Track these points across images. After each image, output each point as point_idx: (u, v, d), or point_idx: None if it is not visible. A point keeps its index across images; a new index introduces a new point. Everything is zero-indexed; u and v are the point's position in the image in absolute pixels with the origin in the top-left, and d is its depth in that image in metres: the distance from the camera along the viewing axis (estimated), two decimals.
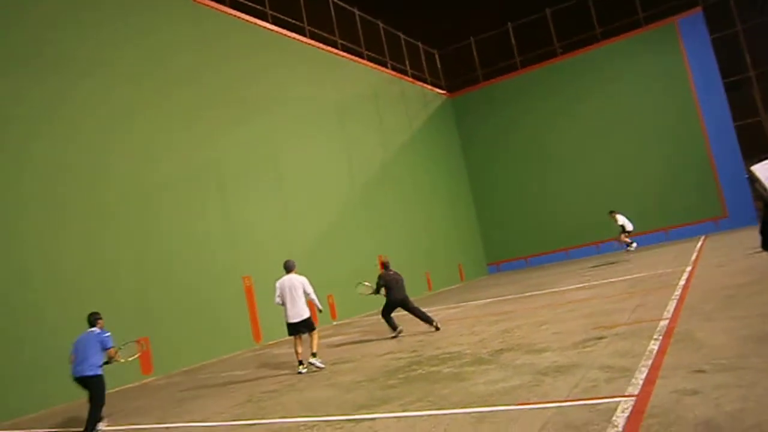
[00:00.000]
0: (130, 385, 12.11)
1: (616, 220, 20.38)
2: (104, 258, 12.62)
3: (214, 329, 14.53)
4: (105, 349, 7.78)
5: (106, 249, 12.71)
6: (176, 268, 14.14)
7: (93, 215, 12.64)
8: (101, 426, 7.73)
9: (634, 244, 20.54)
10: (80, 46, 13.32)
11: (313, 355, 9.46)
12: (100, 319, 8.07)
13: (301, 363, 9.46)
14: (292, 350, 9.87)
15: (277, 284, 9.71)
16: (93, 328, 7.92)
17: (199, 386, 10.36)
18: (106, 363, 7.87)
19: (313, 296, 9.71)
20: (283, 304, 9.64)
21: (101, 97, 13.48)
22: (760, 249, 14.25)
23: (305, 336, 9.75)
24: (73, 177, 12.45)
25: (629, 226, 20.44)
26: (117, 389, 11.76)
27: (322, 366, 9.38)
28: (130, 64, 14.36)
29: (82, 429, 7.51)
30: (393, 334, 11.81)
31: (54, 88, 12.49)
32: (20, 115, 11.79)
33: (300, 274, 9.84)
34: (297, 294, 9.56)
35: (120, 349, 8.15)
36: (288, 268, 9.83)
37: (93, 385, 7.63)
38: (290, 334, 9.66)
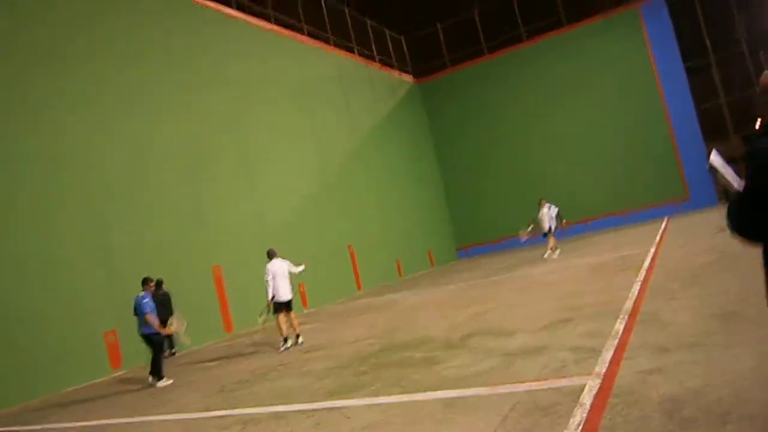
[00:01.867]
0: (99, 380, 11.93)
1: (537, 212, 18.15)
2: (65, 248, 12.34)
3: (185, 320, 14.35)
4: (143, 313, 9.31)
5: (66, 239, 12.43)
6: (144, 258, 13.90)
7: (54, 201, 12.33)
8: (161, 383, 9.35)
9: (558, 251, 18.29)
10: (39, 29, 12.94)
11: (297, 335, 10.93)
12: (149, 281, 9.84)
13: (285, 340, 10.63)
14: (263, 340, 9.90)
15: (268, 267, 10.72)
16: (142, 292, 9.57)
17: (169, 378, 10.25)
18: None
19: (297, 269, 11.11)
20: (273, 285, 10.69)
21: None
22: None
23: (285, 317, 10.82)
24: (31, 163, 12.13)
25: (546, 224, 17.90)
26: (85, 384, 11.60)
27: (303, 342, 10.79)
28: (84, 46, 13.99)
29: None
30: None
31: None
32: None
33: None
34: (284, 276, 10.78)
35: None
36: (271, 255, 10.89)
37: (150, 342, 9.53)
38: (275, 312, 10.74)
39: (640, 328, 6.43)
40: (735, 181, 2.29)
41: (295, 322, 11.02)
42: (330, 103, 23.46)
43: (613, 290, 9.44)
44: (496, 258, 23.99)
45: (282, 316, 10.76)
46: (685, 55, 26.72)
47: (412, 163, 28.78)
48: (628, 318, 7.00)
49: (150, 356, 9.69)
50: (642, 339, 5.91)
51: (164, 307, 11.99)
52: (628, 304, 7.82)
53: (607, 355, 5.54)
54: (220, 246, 15.94)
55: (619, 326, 6.64)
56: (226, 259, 15.85)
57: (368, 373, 7.13)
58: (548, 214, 17.82)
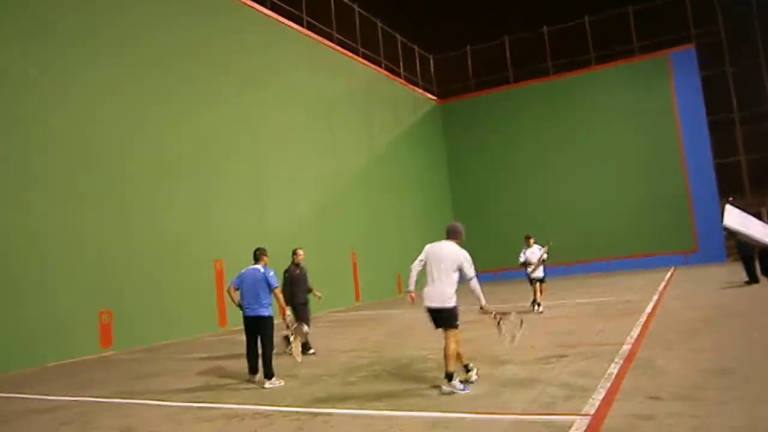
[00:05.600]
0: (88, 357, 11.93)
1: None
2: (71, 225, 12.39)
3: (180, 310, 14.38)
4: (272, 288, 7.75)
5: (75, 218, 12.48)
6: (146, 245, 13.94)
7: (62, 188, 12.40)
8: (270, 383, 7.39)
9: (540, 308, 13.45)
10: (64, 14, 13.08)
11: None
12: (266, 255, 8.03)
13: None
14: None
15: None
16: (257, 265, 7.86)
17: (158, 365, 10.24)
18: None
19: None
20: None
21: (81, 70, 13.17)
22: (746, 280, 14.57)
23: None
24: (49, 153, 12.22)
25: (534, 270, 13.72)
26: (74, 360, 11.60)
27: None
28: (113, 36, 14.09)
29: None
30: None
31: (34, 57, 12.28)
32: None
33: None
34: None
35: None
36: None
37: (265, 326, 7.65)
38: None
39: (634, 373, 6.37)
40: (761, 234, 2.26)
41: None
42: (351, 113, 23.54)
43: (611, 333, 9.37)
44: (496, 287, 23.88)
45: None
46: (710, 109, 26.68)
47: (424, 182, 28.79)
48: (623, 362, 6.93)
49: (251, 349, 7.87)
50: (635, 384, 5.85)
51: (298, 286, 10.17)
52: (625, 349, 7.76)
53: (598, 396, 5.49)
54: (223, 242, 15.93)
55: (613, 369, 6.58)
56: (228, 254, 15.85)
57: (356, 384, 7.09)
58: (531, 252, 14.01)
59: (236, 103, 17.33)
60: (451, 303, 6.43)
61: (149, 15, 15.07)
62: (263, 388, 7.32)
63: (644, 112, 27.64)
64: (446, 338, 6.44)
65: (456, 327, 6.48)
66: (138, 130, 14.22)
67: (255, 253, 8.06)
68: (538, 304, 13.44)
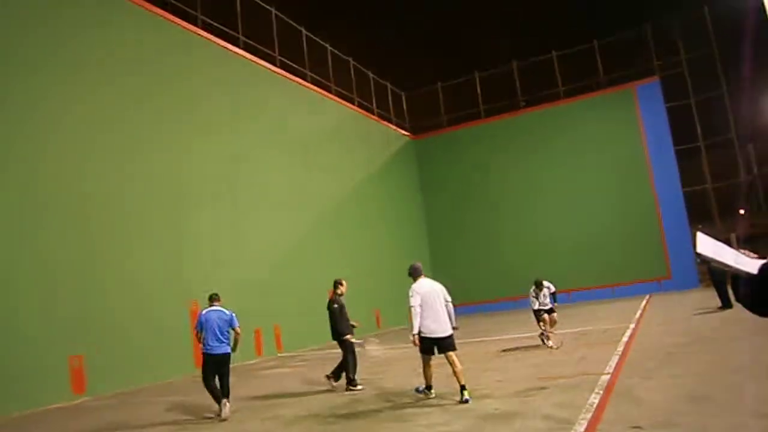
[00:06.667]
0: (59, 405, 11.57)
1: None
2: (43, 262, 12.14)
3: (154, 352, 14.06)
4: (234, 328, 8.38)
5: (46, 253, 12.24)
6: (120, 285, 13.70)
7: (30, 217, 12.21)
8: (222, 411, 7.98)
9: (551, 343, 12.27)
10: (57, 49, 13.10)
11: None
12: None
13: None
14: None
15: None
16: (216, 307, 8.52)
17: (132, 411, 9.98)
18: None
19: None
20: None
21: (75, 100, 13.28)
22: (720, 306, 14.78)
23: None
24: (14, 179, 12.02)
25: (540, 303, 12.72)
26: (44, 407, 11.24)
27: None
28: (99, 71, 14.13)
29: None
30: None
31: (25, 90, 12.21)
32: None
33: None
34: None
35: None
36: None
37: (227, 362, 8.33)
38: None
39: (614, 402, 6.38)
40: (733, 261, 2.32)
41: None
42: (326, 150, 23.63)
43: (591, 362, 9.41)
44: (476, 319, 23.85)
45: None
46: (676, 138, 27.37)
47: (400, 216, 28.89)
48: (604, 392, 6.95)
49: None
50: (615, 414, 5.86)
51: (343, 317, 9.94)
52: (605, 378, 7.78)
53: (580, 427, 5.49)
54: (198, 281, 15.72)
55: (594, 399, 6.60)
56: (203, 293, 15.60)
57: (336, 423, 7.00)
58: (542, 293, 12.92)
59: (210, 141, 17.29)
60: (451, 329, 7.60)
61: (135, 52, 15.15)
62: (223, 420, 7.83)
63: (613, 143, 28.24)
64: (452, 359, 7.44)
65: (456, 348, 7.59)
66: (108, 169, 14.07)
67: (212, 296, 8.73)
68: (547, 336, 12.46)
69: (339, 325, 9.68)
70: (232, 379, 8.39)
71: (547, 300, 12.68)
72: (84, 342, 12.51)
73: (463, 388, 7.28)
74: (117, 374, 13.06)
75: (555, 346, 11.84)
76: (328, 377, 9.79)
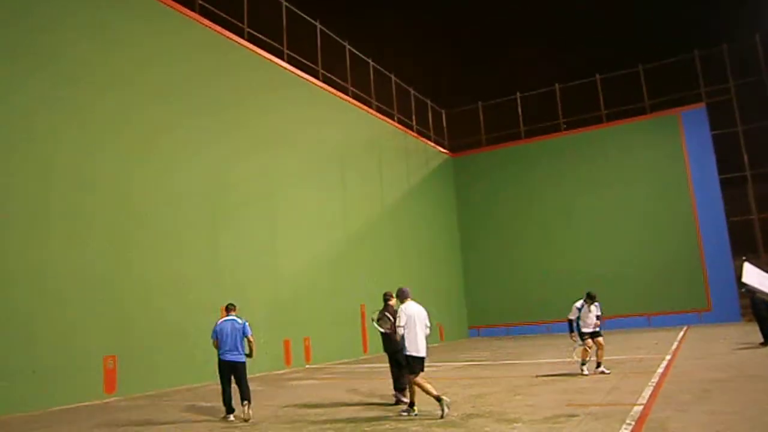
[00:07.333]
0: (89, 403, 11.76)
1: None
2: (85, 267, 12.43)
3: (185, 357, 14.22)
4: (247, 336, 8.81)
5: (87, 259, 12.53)
6: (156, 292, 13.92)
7: (78, 223, 12.51)
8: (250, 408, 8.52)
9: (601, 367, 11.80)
10: (103, 61, 13.51)
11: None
12: (235, 308, 9.27)
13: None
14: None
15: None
16: (231, 317, 8.95)
17: (160, 414, 10.08)
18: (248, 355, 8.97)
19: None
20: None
21: (123, 120, 13.66)
22: (762, 342, 14.29)
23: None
24: (60, 188, 12.33)
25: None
26: (74, 405, 11.44)
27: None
28: (146, 84, 14.50)
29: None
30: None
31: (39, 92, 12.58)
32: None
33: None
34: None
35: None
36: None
37: (243, 368, 8.76)
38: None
39: None
40: None
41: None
42: (364, 165, 23.78)
43: (623, 392, 9.16)
44: (507, 342, 23.53)
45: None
46: (721, 167, 26.71)
47: (436, 234, 28.81)
48: (635, 423, 6.75)
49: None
50: None
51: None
52: (637, 409, 7.56)
53: None
54: (233, 288, 15.87)
55: (625, 430, 6.41)
56: (237, 303, 15.74)
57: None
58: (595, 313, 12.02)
59: (251, 152, 17.57)
60: (425, 351, 8.25)
61: (179, 71, 15.55)
62: (245, 421, 8.21)
63: (655, 169, 27.73)
64: (422, 378, 8.04)
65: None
66: (152, 188, 14.37)
67: (228, 306, 9.21)
68: (598, 364, 11.73)
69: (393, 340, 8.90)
70: (260, 387, 8.55)
71: (594, 320, 11.66)
72: (119, 343, 12.74)
73: (438, 399, 7.80)
74: (148, 376, 13.26)
75: (608, 371, 11.55)
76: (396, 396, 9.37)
